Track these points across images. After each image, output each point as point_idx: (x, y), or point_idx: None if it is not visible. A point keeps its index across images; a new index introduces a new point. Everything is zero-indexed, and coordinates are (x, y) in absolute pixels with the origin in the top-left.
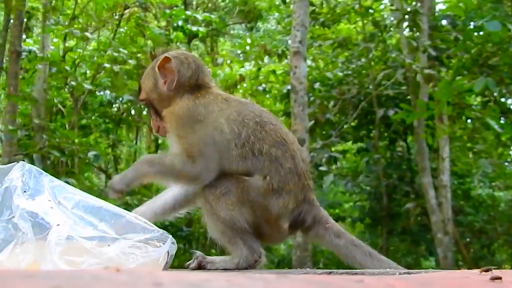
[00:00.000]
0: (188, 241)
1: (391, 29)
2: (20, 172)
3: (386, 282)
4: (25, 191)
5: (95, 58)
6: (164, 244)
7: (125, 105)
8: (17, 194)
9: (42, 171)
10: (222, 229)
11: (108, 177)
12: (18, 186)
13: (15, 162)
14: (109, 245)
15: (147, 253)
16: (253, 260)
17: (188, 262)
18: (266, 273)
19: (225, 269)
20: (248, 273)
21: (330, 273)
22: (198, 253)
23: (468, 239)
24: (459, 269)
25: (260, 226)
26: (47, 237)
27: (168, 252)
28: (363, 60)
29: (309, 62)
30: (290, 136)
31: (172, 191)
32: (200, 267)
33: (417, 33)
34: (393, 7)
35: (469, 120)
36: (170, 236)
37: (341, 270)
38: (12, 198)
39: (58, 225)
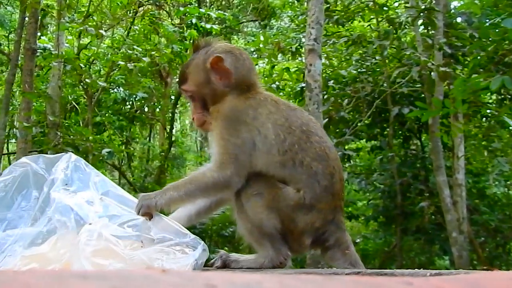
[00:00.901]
0: (202, 238)
1: (406, 26)
2: (66, 164)
3: (435, 284)
4: (66, 184)
5: (109, 55)
6: (194, 250)
7: (138, 103)
8: (57, 187)
9: (88, 164)
10: (250, 229)
11: (122, 174)
12: (59, 178)
13: (64, 153)
14: (142, 246)
15: (174, 259)
16: (279, 262)
17: (212, 261)
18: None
19: (249, 268)
20: (295, 274)
21: (358, 273)
22: (222, 251)
23: (483, 238)
24: (475, 268)
25: (284, 234)
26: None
27: (196, 259)
28: (377, 57)
29: (323, 59)
30: (332, 151)
31: None
32: (225, 265)
33: (432, 31)
34: (408, 5)
35: (484, 118)
36: (202, 242)
37: (369, 270)
38: (50, 191)
39: (90, 224)
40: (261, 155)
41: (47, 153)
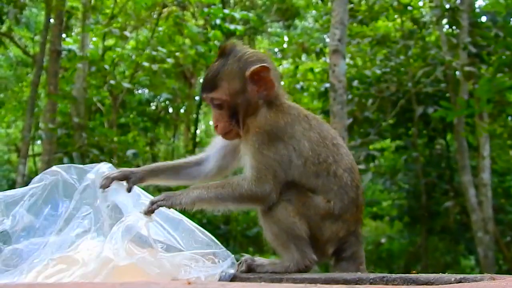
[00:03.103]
0: (226, 240)
1: (430, 26)
2: (108, 169)
3: None
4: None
5: (133, 57)
6: (223, 261)
7: (163, 104)
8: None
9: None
10: (276, 232)
11: None
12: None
13: (96, 164)
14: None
15: (203, 267)
16: (304, 266)
17: (237, 265)
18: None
19: (274, 272)
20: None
21: (383, 278)
22: (247, 256)
23: (508, 238)
24: (500, 268)
25: (310, 241)
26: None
27: (224, 271)
28: (402, 57)
29: (347, 60)
30: (355, 164)
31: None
32: (250, 270)
33: (457, 30)
34: (432, 4)
35: (510, 118)
36: (232, 256)
37: (393, 275)
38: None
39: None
40: (296, 168)
41: (72, 155)
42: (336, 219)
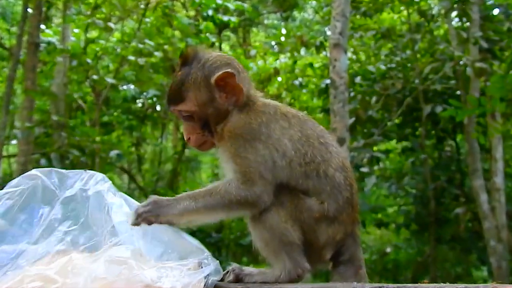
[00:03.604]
0: (218, 248)
1: (439, 19)
2: (100, 180)
3: None
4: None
5: (118, 50)
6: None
7: (150, 101)
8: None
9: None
10: (267, 239)
11: (132, 178)
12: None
13: (81, 171)
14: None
15: (180, 276)
16: (296, 275)
17: (224, 275)
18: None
19: (264, 282)
20: None
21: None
22: (235, 265)
23: None
24: None
25: (304, 247)
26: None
27: (207, 277)
28: (408, 52)
29: (349, 54)
30: (347, 161)
31: None
32: (238, 280)
33: (467, 23)
34: None
35: None
36: (217, 262)
37: (391, 285)
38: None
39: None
40: (281, 170)
41: (50, 156)
42: (332, 221)
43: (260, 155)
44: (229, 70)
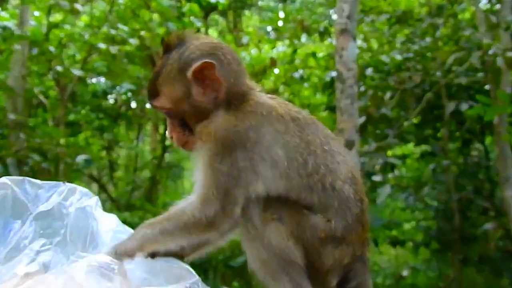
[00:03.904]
0: (204, 271)
1: (464, 0)
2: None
3: None
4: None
5: (86, 36)
6: None
7: (124, 96)
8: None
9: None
10: (265, 259)
11: (102, 187)
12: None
13: (58, 183)
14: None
15: None
16: None
17: None
18: None
19: None
20: None
21: None
22: None
23: None
24: None
25: (307, 271)
26: None
27: None
28: (428, 39)
29: (359, 42)
30: (357, 172)
31: None
32: None
33: (498, 6)
34: None
35: None
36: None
37: None
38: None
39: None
40: (272, 181)
41: (6, 161)
42: (339, 243)
43: (237, 167)
44: (207, 60)
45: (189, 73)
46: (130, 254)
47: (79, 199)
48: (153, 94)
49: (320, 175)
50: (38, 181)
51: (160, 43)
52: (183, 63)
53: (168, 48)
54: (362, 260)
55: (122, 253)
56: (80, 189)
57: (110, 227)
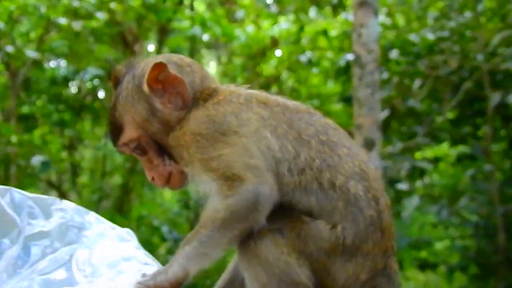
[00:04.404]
0: None
1: None
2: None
3: None
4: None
5: (43, 10)
6: None
7: (89, 84)
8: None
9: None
10: (264, 280)
11: (62, 195)
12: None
13: (53, 197)
14: None
15: None
16: None
17: None
18: None
19: None
20: None
21: None
22: None
23: None
24: None
25: None
26: None
27: None
28: (467, 14)
29: (381, 17)
30: (370, 166)
31: None
32: None
33: None
34: None
35: None
36: None
37: None
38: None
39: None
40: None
41: None
42: (352, 254)
43: (238, 145)
44: (157, 61)
45: (145, 86)
46: (172, 280)
47: (96, 222)
48: (117, 131)
49: (316, 171)
50: (26, 193)
51: (110, 80)
52: (138, 80)
53: (117, 80)
54: (386, 274)
55: (161, 280)
56: (73, 206)
57: (130, 255)
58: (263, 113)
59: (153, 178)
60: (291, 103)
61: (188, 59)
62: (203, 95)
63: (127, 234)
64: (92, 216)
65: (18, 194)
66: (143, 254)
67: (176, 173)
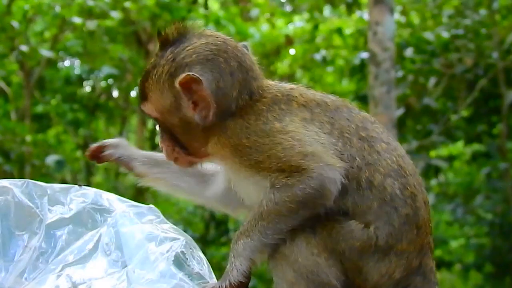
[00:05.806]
0: None
1: None
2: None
3: None
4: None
5: (57, 9)
6: None
7: (103, 83)
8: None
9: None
10: (292, 279)
11: None
12: None
13: (71, 185)
14: None
15: None
16: None
17: None
18: None
19: None
20: None
21: None
22: None
23: None
24: None
25: None
26: None
27: None
28: (482, 12)
29: (396, 15)
30: (407, 161)
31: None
32: None
33: None
34: None
35: None
36: None
37: None
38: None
39: None
40: None
41: None
42: (385, 253)
43: (286, 139)
44: (191, 73)
45: (177, 82)
46: (240, 274)
47: (112, 203)
48: (142, 96)
49: (355, 170)
50: (43, 184)
51: (157, 36)
52: (175, 67)
53: (164, 43)
54: (422, 272)
55: (233, 277)
56: (104, 192)
57: (156, 233)
58: (304, 115)
59: (161, 147)
60: (329, 99)
61: (236, 60)
62: (241, 103)
63: (151, 210)
64: (113, 197)
65: (36, 185)
66: (168, 230)
67: (184, 160)
